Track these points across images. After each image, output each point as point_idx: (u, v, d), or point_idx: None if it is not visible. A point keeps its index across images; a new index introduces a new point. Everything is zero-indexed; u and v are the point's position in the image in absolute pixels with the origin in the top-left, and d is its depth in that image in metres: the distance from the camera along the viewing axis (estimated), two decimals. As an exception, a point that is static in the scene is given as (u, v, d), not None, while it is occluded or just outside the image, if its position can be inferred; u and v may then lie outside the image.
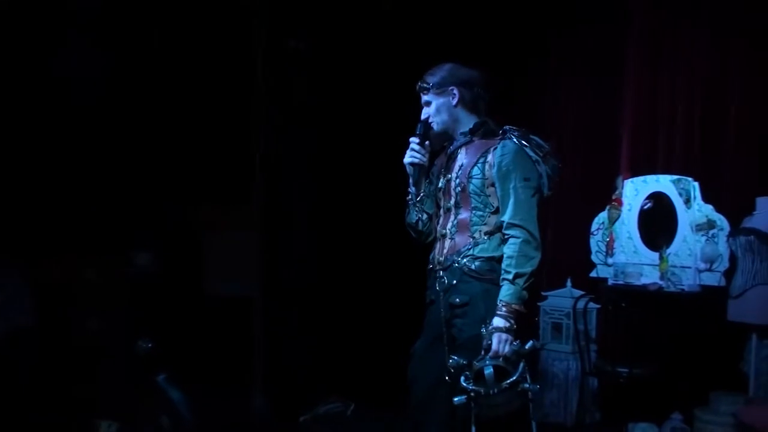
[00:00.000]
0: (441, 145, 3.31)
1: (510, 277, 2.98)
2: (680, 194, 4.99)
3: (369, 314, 5.64)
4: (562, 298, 5.19)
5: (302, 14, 5.79)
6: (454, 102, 3.20)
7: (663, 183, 5.08)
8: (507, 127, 3.17)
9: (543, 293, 5.29)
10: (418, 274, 3.41)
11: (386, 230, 3.93)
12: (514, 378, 2.87)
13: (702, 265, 4.86)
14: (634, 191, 5.19)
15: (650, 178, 5.15)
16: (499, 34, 5.88)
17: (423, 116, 3.23)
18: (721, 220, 4.87)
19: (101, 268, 5.44)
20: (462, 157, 3.19)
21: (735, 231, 4.74)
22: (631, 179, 5.24)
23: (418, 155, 3.19)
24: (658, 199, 5.10)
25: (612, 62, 5.54)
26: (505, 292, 2.98)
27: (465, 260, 3.09)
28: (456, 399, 2.90)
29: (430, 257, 3.25)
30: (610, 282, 5.13)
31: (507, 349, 2.92)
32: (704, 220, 4.91)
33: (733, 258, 4.74)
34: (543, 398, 5.18)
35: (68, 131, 5.40)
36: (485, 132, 3.20)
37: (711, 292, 4.81)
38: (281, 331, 5.63)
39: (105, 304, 5.32)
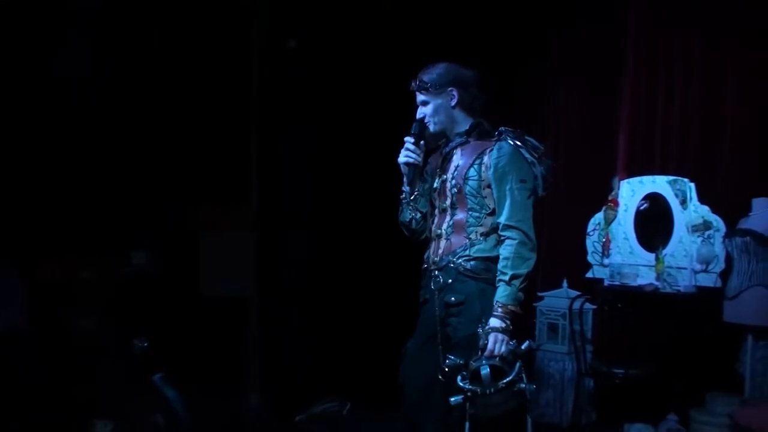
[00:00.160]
0: (435, 145, 3.32)
1: (506, 278, 3.00)
2: (676, 195, 5.00)
3: (366, 314, 5.64)
4: (558, 299, 5.19)
5: (300, 14, 5.79)
6: (453, 103, 3.20)
7: (659, 184, 5.09)
8: (503, 128, 3.18)
9: (539, 293, 5.29)
10: (415, 275, 3.41)
11: (383, 230, 3.93)
12: (511, 378, 2.89)
13: (698, 266, 4.87)
14: (631, 192, 5.20)
15: (646, 179, 5.16)
16: (497, 34, 5.88)
17: (419, 115, 3.23)
18: (717, 221, 4.87)
19: (98, 267, 5.44)
20: (458, 158, 3.19)
21: (731, 232, 4.75)
22: (627, 180, 5.25)
23: (413, 155, 3.18)
24: (655, 199, 5.11)
25: (609, 63, 5.55)
26: (502, 293, 3.00)
27: (461, 260, 3.10)
28: (452, 399, 2.91)
29: (425, 257, 3.26)
30: (606, 283, 5.14)
31: (503, 349, 2.94)
32: (700, 221, 4.91)
33: (728, 259, 4.76)
34: (539, 399, 5.17)
35: (66, 131, 5.40)
36: (481, 133, 3.21)
37: (707, 293, 4.82)
38: (277, 330, 5.64)
39: (101, 303, 5.32)
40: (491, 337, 2.95)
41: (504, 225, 3.05)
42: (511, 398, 2.92)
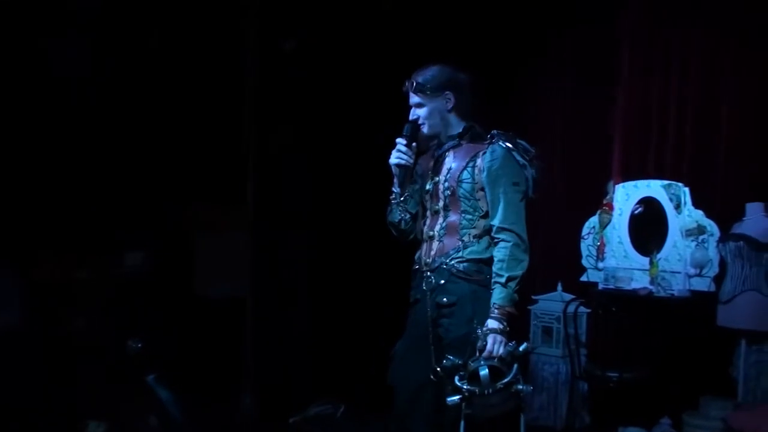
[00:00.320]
0: (426, 147, 3.33)
1: (502, 280, 3.02)
2: (671, 199, 5.02)
3: (361, 316, 5.64)
4: (553, 302, 5.20)
5: (296, 13, 5.79)
6: (449, 107, 3.21)
7: (654, 188, 5.11)
8: (495, 131, 3.19)
9: (534, 297, 5.29)
10: (410, 277, 3.42)
11: (380, 232, 3.92)
12: (509, 379, 2.90)
13: (692, 271, 4.89)
14: (625, 196, 5.22)
15: (641, 183, 5.18)
16: (494, 36, 5.89)
17: (411, 117, 3.23)
18: (711, 226, 4.90)
19: (93, 267, 5.43)
20: (450, 161, 3.21)
21: (725, 237, 4.77)
22: (622, 184, 5.28)
23: (405, 156, 3.19)
24: (649, 204, 5.14)
25: (605, 67, 5.57)
26: (498, 295, 3.01)
27: (453, 262, 3.12)
28: (449, 399, 2.92)
29: (416, 258, 3.27)
30: (601, 286, 5.16)
31: (501, 350, 2.95)
32: (694, 225, 4.94)
33: (722, 263, 4.78)
34: (533, 402, 5.18)
35: (62, 132, 5.39)
36: (473, 136, 3.23)
37: (701, 298, 4.84)
38: (272, 332, 5.63)
39: (97, 303, 5.30)
40: (490, 339, 2.96)
41: (498, 227, 3.06)
42: (508, 399, 2.93)
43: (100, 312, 5.25)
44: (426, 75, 3.21)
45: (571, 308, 4.97)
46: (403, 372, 3.21)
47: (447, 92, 3.19)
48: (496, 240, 3.07)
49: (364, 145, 5.61)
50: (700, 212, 4.95)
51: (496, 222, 3.07)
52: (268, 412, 5.38)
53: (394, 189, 3.27)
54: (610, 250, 5.21)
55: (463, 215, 3.14)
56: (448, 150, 3.23)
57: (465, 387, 2.90)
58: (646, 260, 5.01)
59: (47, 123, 5.32)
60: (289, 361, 5.65)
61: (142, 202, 5.61)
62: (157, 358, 4.86)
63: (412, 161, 3.21)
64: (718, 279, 4.81)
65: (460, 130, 3.23)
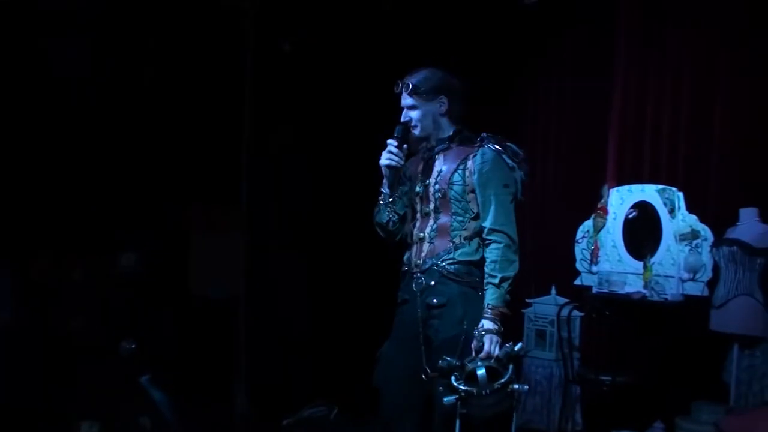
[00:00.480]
0: (416, 149, 3.35)
1: (496, 281, 3.05)
2: (665, 204, 5.03)
3: (355, 317, 5.64)
4: (547, 306, 5.21)
5: (294, 15, 5.80)
6: (442, 110, 3.24)
7: (648, 192, 5.11)
8: (484, 134, 3.23)
9: (527, 300, 5.30)
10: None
11: (373, 233, 3.93)
12: (505, 379, 2.93)
13: (685, 275, 4.90)
14: (620, 200, 5.23)
15: (635, 188, 5.18)
16: (490, 38, 5.91)
17: (404, 119, 3.25)
18: (705, 231, 4.90)
19: (87, 267, 5.43)
20: (440, 164, 3.24)
21: (718, 241, 4.78)
22: (616, 188, 5.28)
23: (396, 158, 3.20)
24: (643, 208, 5.14)
25: (598, 71, 5.59)
26: (492, 295, 3.05)
27: (444, 263, 3.14)
28: (446, 399, 2.94)
29: (405, 259, 3.30)
30: (594, 290, 5.16)
31: (498, 350, 2.98)
32: (688, 230, 4.94)
33: (716, 268, 4.78)
34: (526, 405, 5.19)
35: (59, 131, 5.39)
36: (462, 139, 3.26)
37: (694, 302, 4.84)
38: (266, 332, 5.63)
39: (89, 303, 5.30)
40: (486, 339, 2.99)
41: (489, 229, 3.10)
42: (504, 399, 2.96)
43: (94, 312, 5.25)
44: (421, 78, 3.23)
45: (564, 312, 4.99)
46: (392, 373, 3.23)
47: (441, 96, 3.22)
48: (487, 241, 3.11)
49: (360, 146, 5.61)
50: (694, 217, 4.96)
51: (487, 223, 3.11)
52: (261, 414, 5.38)
53: (383, 190, 3.29)
54: (604, 254, 5.22)
55: (453, 217, 3.17)
56: (438, 153, 3.26)
57: (462, 387, 2.92)
58: (639, 264, 5.01)
59: (45, 123, 5.33)
60: (283, 362, 5.65)
61: (138, 202, 5.62)
62: (150, 359, 4.86)
63: (402, 162, 3.23)
64: (712, 284, 4.81)
65: (451, 134, 3.26)
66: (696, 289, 4.87)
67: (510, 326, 3.15)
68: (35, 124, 5.31)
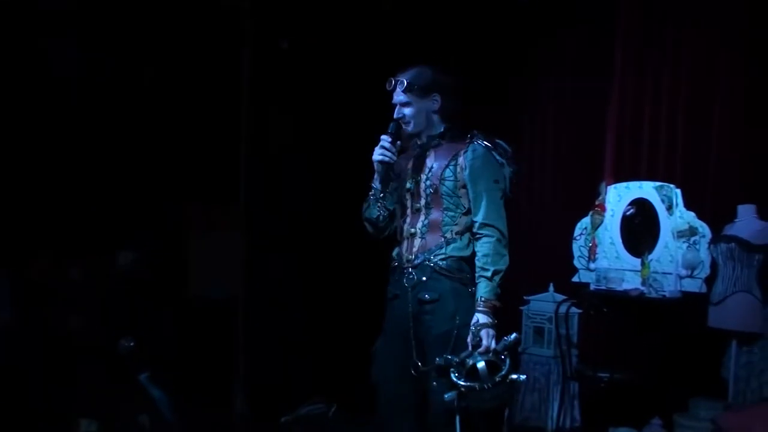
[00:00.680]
0: (407, 146, 3.38)
1: (488, 274, 3.09)
2: (663, 201, 5.03)
3: (353, 315, 5.64)
4: (545, 303, 5.21)
5: (293, 15, 5.79)
6: (435, 108, 3.27)
7: (646, 189, 5.11)
8: (474, 131, 3.26)
9: (525, 297, 5.31)
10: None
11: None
12: (505, 371, 2.98)
13: (683, 272, 4.90)
14: (617, 197, 5.23)
15: (633, 185, 5.19)
16: (488, 37, 5.91)
17: (397, 115, 3.28)
18: (703, 227, 4.91)
19: (86, 266, 5.43)
20: (432, 160, 3.27)
21: (716, 238, 4.79)
22: (614, 185, 5.28)
23: (389, 153, 3.23)
24: (641, 205, 5.14)
25: (596, 69, 5.59)
26: (485, 289, 3.08)
27: (436, 258, 3.18)
28: (447, 395, 2.97)
29: (395, 255, 3.32)
30: (592, 287, 5.17)
31: (495, 343, 3.02)
32: (686, 227, 4.95)
33: (714, 265, 4.79)
34: (524, 401, 5.20)
35: (58, 131, 5.39)
36: (453, 136, 3.30)
37: (692, 299, 4.85)
38: (264, 331, 5.63)
39: (88, 302, 5.30)
40: (483, 333, 3.02)
41: (481, 223, 3.14)
42: (505, 391, 3.01)
43: (93, 311, 5.25)
44: (415, 75, 3.26)
45: (562, 309, 4.99)
46: (386, 370, 3.26)
47: (434, 94, 3.25)
48: (478, 235, 3.15)
49: (359, 145, 5.61)
50: (691, 214, 4.96)
51: (479, 218, 3.15)
52: (259, 412, 5.39)
53: (374, 185, 3.31)
54: (601, 251, 5.22)
55: (445, 212, 3.21)
56: (429, 149, 3.29)
57: (463, 383, 2.95)
58: (637, 261, 5.02)
59: (43, 122, 5.33)
60: (282, 361, 5.65)
61: (137, 201, 5.62)
62: (149, 357, 4.86)
63: (395, 158, 3.26)
64: (710, 280, 4.82)
65: (442, 131, 3.29)
66: (694, 285, 4.88)
67: (509, 323, 3.17)
68: (34, 123, 5.31)
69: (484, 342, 3.01)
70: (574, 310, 5.10)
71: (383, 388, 3.28)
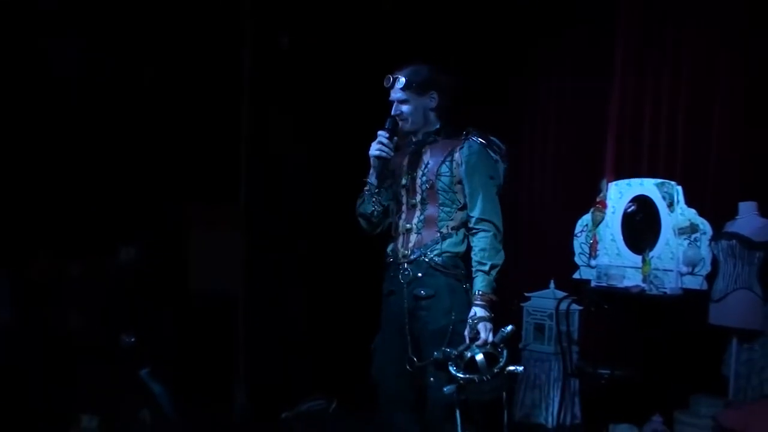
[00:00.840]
0: (403, 142, 3.42)
1: (486, 268, 3.14)
2: (664, 198, 5.02)
3: (353, 312, 5.64)
4: (545, 299, 5.21)
5: (293, 13, 5.80)
6: (432, 105, 3.32)
7: (647, 186, 5.11)
8: (469, 128, 3.31)
9: (526, 294, 5.31)
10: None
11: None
12: (503, 363, 3.02)
13: (684, 269, 4.89)
14: (618, 194, 5.22)
15: (634, 182, 5.18)
16: (489, 37, 5.91)
17: (394, 112, 3.31)
18: (704, 224, 4.90)
19: (87, 263, 5.44)
20: (428, 156, 3.31)
21: (717, 235, 4.78)
22: (615, 182, 5.28)
23: (386, 149, 3.27)
24: (642, 202, 5.13)
25: (597, 65, 5.59)
26: (482, 282, 3.13)
27: (432, 254, 3.21)
28: (446, 388, 3.01)
29: (390, 251, 3.35)
30: (593, 284, 5.16)
31: (493, 336, 3.07)
32: (687, 223, 4.94)
33: (715, 262, 4.78)
34: (524, 398, 5.20)
35: (56, 130, 5.40)
36: (448, 133, 3.34)
37: (693, 296, 4.84)
38: (264, 328, 5.63)
39: (89, 298, 5.31)
40: (481, 327, 3.07)
41: (477, 218, 3.19)
42: (503, 382, 3.06)
43: (93, 306, 5.26)
44: (413, 73, 3.30)
45: (563, 305, 4.99)
46: (385, 367, 3.30)
47: (432, 92, 3.30)
48: (474, 230, 3.19)
49: (359, 144, 5.61)
50: (692, 211, 4.95)
51: (475, 213, 3.19)
52: (260, 408, 5.39)
53: (369, 180, 3.35)
54: (602, 247, 5.22)
55: (441, 208, 3.25)
56: (424, 146, 3.33)
57: (461, 376, 2.99)
58: (638, 258, 5.01)
59: (44, 121, 5.34)
60: (283, 359, 5.66)
61: (138, 200, 5.63)
62: (150, 353, 4.87)
63: (392, 154, 3.29)
64: (710, 277, 4.80)
65: (437, 128, 3.34)
66: (695, 282, 4.87)
67: (510, 321, 3.18)
68: (35, 122, 5.32)
69: (482, 335, 3.05)
70: (574, 306, 5.10)
71: (383, 384, 3.31)
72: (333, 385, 5.29)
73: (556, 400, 5.10)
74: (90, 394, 4.83)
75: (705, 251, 4.84)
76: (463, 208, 3.24)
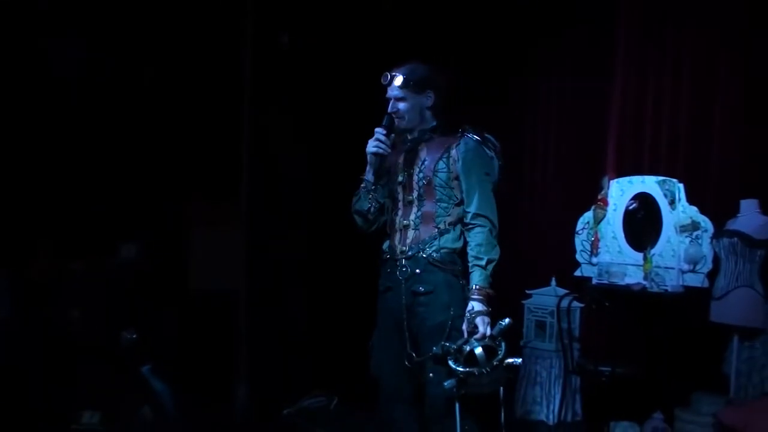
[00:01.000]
0: (399, 140, 3.44)
1: (482, 263, 3.17)
2: (665, 195, 5.02)
3: (353, 309, 5.64)
4: (547, 297, 5.21)
5: (294, 11, 5.80)
6: (428, 104, 3.36)
7: (648, 184, 5.11)
8: (465, 125, 3.35)
9: (527, 291, 5.31)
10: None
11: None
12: (502, 355, 3.06)
13: (685, 266, 4.89)
14: (620, 191, 5.22)
15: (636, 179, 5.18)
16: (489, 36, 5.92)
17: (391, 109, 3.34)
18: (705, 222, 4.90)
19: (88, 259, 5.45)
20: (424, 154, 3.34)
21: (719, 233, 4.78)
22: (616, 179, 5.28)
23: (383, 146, 3.29)
24: (643, 199, 5.13)
25: (597, 65, 5.60)
26: (479, 277, 3.17)
27: (431, 250, 3.24)
28: (447, 383, 3.04)
29: (386, 247, 3.38)
30: (594, 281, 5.16)
31: (491, 329, 3.10)
32: (688, 221, 4.94)
33: (716, 259, 4.78)
34: (526, 395, 5.20)
35: (57, 129, 5.41)
36: (444, 131, 3.38)
37: (694, 293, 4.84)
38: (265, 325, 5.64)
39: (89, 297, 5.32)
40: (479, 320, 3.10)
41: (474, 214, 3.23)
42: (503, 374, 3.09)
43: (94, 304, 5.26)
44: (411, 71, 3.34)
45: (564, 303, 4.99)
46: (384, 363, 3.33)
47: (428, 91, 3.34)
48: (471, 225, 3.23)
49: (360, 143, 5.61)
50: (694, 208, 4.95)
51: (471, 209, 3.23)
52: (261, 405, 5.39)
53: (366, 177, 3.38)
54: (604, 245, 5.22)
55: (438, 204, 3.28)
56: (421, 143, 3.36)
57: (461, 369, 3.02)
58: (640, 256, 5.01)
59: (45, 120, 5.34)
60: (283, 354, 5.66)
61: (139, 197, 5.64)
62: (151, 350, 4.87)
63: (389, 151, 3.32)
64: (712, 275, 4.80)
65: (433, 125, 3.37)
66: (696, 280, 4.87)
67: (507, 315, 3.19)
68: (35, 122, 5.33)
69: (481, 329, 3.09)
70: (576, 304, 5.10)
71: (382, 381, 3.34)
72: (334, 382, 5.29)
73: (557, 397, 5.10)
74: (91, 392, 4.83)
75: (706, 249, 4.84)
76: (460, 203, 3.28)
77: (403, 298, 3.24)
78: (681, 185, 5.01)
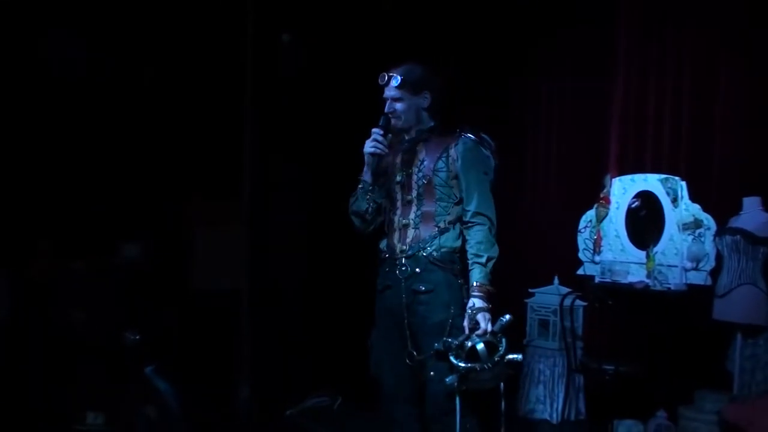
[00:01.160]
0: (396, 140, 3.44)
1: (482, 260, 3.18)
2: (668, 193, 5.03)
3: (357, 308, 5.63)
4: (549, 295, 5.22)
5: (296, 12, 5.80)
6: (425, 105, 3.36)
7: (651, 182, 5.11)
8: (462, 125, 3.36)
9: (530, 290, 5.31)
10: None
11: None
12: (503, 351, 3.07)
13: (688, 264, 4.90)
14: (622, 190, 5.23)
15: (638, 177, 5.19)
16: (491, 36, 5.92)
17: (388, 110, 3.35)
18: (708, 220, 4.91)
19: (88, 259, 5.43)
20: (422, 154, 3.35)
21: (721, 230, 4.78)
22: (619, 178, 5.28)
23: (380, 146, 3.30)
24: (646, 197, 5.14)
25: (598, 65, 5.62)
26: (479, 274, 3.18)
27: (431, 249, 3.25)
28: (448, 379, 3.06)
29: (384, 246, 3.38)
30: (597, 280, 5.17)
31: (492, 326, 3.11)
32: (691, 219, 4.95)
33: (719, 257, 4.79)
34: (529, 394, 5.20)
35: (58, 128, 5.40)
36: (441, 131, 3.39)
37: (697, 291, 4.85)
38: (268, 325, 5.63)
39: (91, 296, 5.30)
40: (480, 317, 3.11)
41: (474, 212, 3.24)
42: (503, 370, 3.10)
43: (97, 303, 5.25)
44: (409, 72, 3.34)
45: (567, 301, 5.00)
46: (384, 362, 3.34)
47: (425, 91, 3.35)
48: (470, 224, 3.24)
49: (361, 143, 5.61)
50: (697, 206, 4.96)
51: (471, 207, 3.24)
52: (264, 404, 5.38)
53: (364, 178, 3.39)
54: (606, 243, 5.22)
55: (438, 203, 3.30)
56: (418, 143, 3.37)
57: (463, 365, 3.03)
58: (642, 254, 5.02)
59: (45, 120, 5.33)
60: (286, 353, 5.65)
61: (141, 197, 5.63)
62: (154, 350, 4.86)
63: (386, 151, 3.33)
64: (715, 273, 4.81)
65: (431, 125, 3.38)
66: (699, 278, 4.88)
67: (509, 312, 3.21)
68: (35, 121, 5.31)
69: (482, 325, 3.10)
70: (579, 302, 5.11)
71: (382, 381, 3.35)
72: (337, 381, 5.28)
73: (561, 395, 5.11)
74: (94, 392, 4.81)
75: (709, 247, 4.85)
76: (460, 202, 3.29)
77: (403, 297, 3.25)
78: (683, 183, 5.02)
